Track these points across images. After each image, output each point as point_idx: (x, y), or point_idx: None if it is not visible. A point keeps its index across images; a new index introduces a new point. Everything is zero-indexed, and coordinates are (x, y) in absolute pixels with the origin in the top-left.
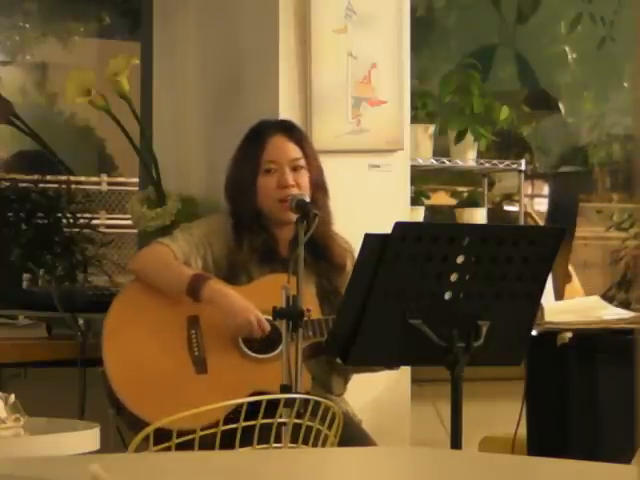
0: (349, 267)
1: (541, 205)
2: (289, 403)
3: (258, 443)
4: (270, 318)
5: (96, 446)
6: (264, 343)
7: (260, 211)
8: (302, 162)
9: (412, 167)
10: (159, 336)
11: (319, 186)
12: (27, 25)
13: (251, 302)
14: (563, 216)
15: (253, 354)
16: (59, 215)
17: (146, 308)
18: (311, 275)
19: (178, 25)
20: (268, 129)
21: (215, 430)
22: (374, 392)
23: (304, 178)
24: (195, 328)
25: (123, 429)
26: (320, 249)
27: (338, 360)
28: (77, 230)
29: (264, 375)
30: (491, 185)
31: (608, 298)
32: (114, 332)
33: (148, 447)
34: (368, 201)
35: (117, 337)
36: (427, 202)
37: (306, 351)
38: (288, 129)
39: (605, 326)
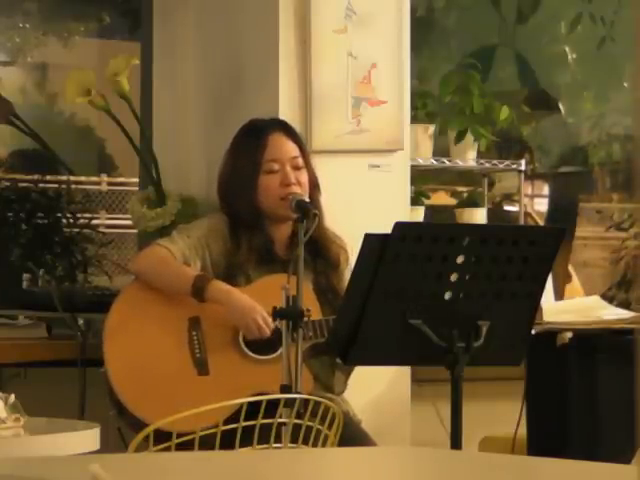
0: (343, 264)
1: (541, 205)
2: (289, 403)
3: (258, 443)
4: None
5: (96, 446)
6: (265, 344)
7: (258, 210)
8: (301, 161)
9: (412, 167)
10: (160, 337)
11: (315, 184)
12: (27, 25)
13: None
14: (563, 216)
15: (254, 355)
16: (59, 215)
17: (147, 309)
18: (308, 273)
19: (178, 25)
20: (266, 127)
21: (215, 430)
22: (374, 392)
23: (304, 176)
24: (196, 329)
25: (124, 430)
26: (316, 247)
27: (338, 360)
28: (77, 230)
29: (266, 376)
30: (491, 185)
31: (608, 298)
32: (115, 333)
33: (148, 447)
34: (368, 201)
35: (118, 338)
36: (427, 202)
37: (307, 351)
38: (285, 128)
39: (605, 326)
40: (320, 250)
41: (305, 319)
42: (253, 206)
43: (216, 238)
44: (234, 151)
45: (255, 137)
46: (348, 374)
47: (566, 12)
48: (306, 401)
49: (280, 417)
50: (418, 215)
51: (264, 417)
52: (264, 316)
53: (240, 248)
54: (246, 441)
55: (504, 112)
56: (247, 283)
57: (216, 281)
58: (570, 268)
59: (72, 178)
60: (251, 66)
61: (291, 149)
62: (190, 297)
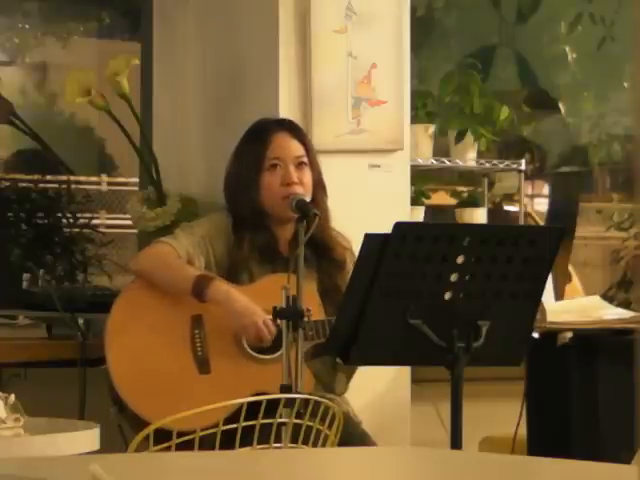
0: (349, 264)
1: (541, 205)
2: (289, 403)
3: (258, 443)
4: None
5: (96, 446)
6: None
7: (261, 209)
8: (305, 160)
9: (412, 167)
10: (162, 335)
11: (320, 184)
12: (27, 26)
13: (253, 303)
14: (563, 216)
15: (256, 355)
16: (59, 215)
17: (149, 307)
18: (312, 272)
19: (178, 25)
20: (271, 127)
21: (215, 430)
22: (374, 392)
23: (307, 176)
24: (199, 328)
25: (125, 427)
26: (320, 247)
27: (338, 360)
28: (77, 230)
29: (267, 376)
30: (491, 185)
31: (608, 298)
32: (117, 331)
33: (148, 447)
34: (368, 201)
35: (120, 336)
36: (427, 202)
37: (309, 351)
38: (291, 127)
39: (605, 326)
40: (325, 251)
41: (305, 319)
42: (256, 206)
43: (219, 236)
44: (239, 151)
45: (259, 136)
46: (349, 375)
47: (566, 12)
48: (306, 401)
49: (280, 417)
50: (418, 215)
51: (264, 417)
52: (265, 320)
53: (243, 245)
54: (246, 441)
55: (504, 112)
56: (250, 280)
57: (217, 282)
58: (570, 268)
59: (72, 178)
60: (251, 66)
61: (295, 148)
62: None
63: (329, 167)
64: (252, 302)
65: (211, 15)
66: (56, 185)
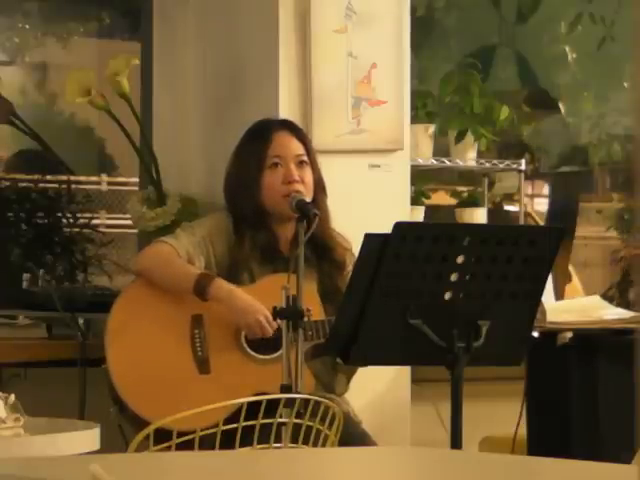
0: (349, 266)
1: (541, 205)
2: (289, 403)
3: (258, 443)
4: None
5: (96, 446)
6: (268, 344)
7: (262, 208)
8: (306, 159)
9: (412, 167)
10: (162, 335)
11: (320, 185)
12: (27, 26)
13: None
14: (563, 216)
15: (256, 355)
16: (59, 215)
17: (149, 307)
18: (313, 273)
19: (178, 25)
20: (272, 126)
21: (215, 430)
22: (374, 392)
23: (308, 175)
24: (199, 327)
25: (125, 427)
26: (320, 247)
27: (338, 360)
28: (77, 230)
29: (267, 376)
30: (491, 185)
31: (608, 298)
32: (117, 331)
33: (148, 447)
34: (368, 201)
35: (120, 336)
36: (427, 202)
37: (309, 351)
38: (291, 127)
39: (605, 326)
40: (325, 251)
41: (305, 319)
42: (257, 204)
43: (220, 236)
44: (240, 150)
45: (260, 135)
46: (350, 375)
47: (566, 12)
48: (306, 401)
49: (280, 417)
50: (418, 215)
51: (264, 417)
52: (266, 315)
53: (243, 244)
54: (246, 441)
55: (504, 112)
56: (251, 280)
57: (219, 280)
58: (570, 268)
59: (72, 178)
60: (251, 66)
61: (296, 147)
62: (193, 295)
63: (329, 167)
64: (254, 300)
65: (211, 15)
66: (56, 185)
